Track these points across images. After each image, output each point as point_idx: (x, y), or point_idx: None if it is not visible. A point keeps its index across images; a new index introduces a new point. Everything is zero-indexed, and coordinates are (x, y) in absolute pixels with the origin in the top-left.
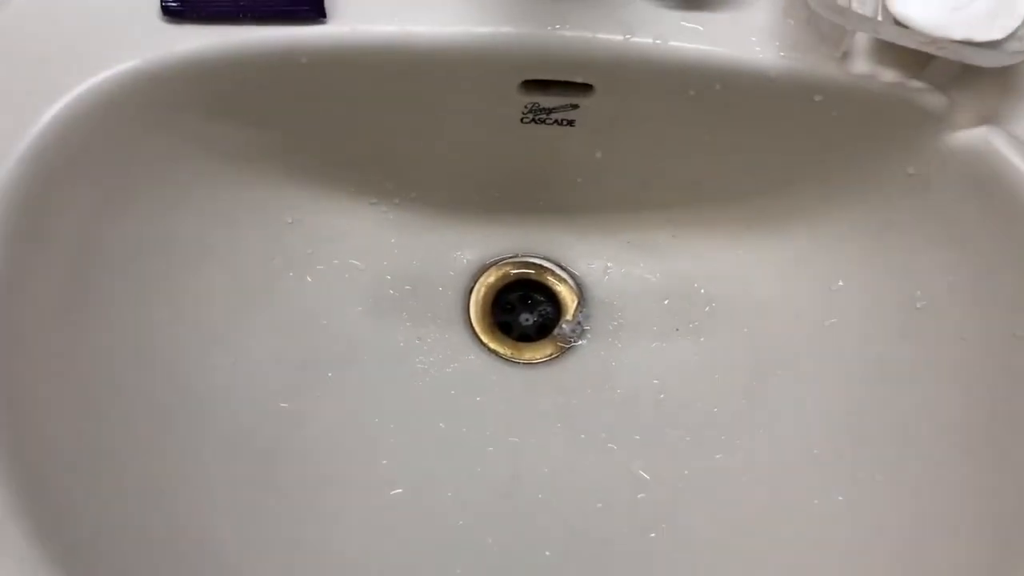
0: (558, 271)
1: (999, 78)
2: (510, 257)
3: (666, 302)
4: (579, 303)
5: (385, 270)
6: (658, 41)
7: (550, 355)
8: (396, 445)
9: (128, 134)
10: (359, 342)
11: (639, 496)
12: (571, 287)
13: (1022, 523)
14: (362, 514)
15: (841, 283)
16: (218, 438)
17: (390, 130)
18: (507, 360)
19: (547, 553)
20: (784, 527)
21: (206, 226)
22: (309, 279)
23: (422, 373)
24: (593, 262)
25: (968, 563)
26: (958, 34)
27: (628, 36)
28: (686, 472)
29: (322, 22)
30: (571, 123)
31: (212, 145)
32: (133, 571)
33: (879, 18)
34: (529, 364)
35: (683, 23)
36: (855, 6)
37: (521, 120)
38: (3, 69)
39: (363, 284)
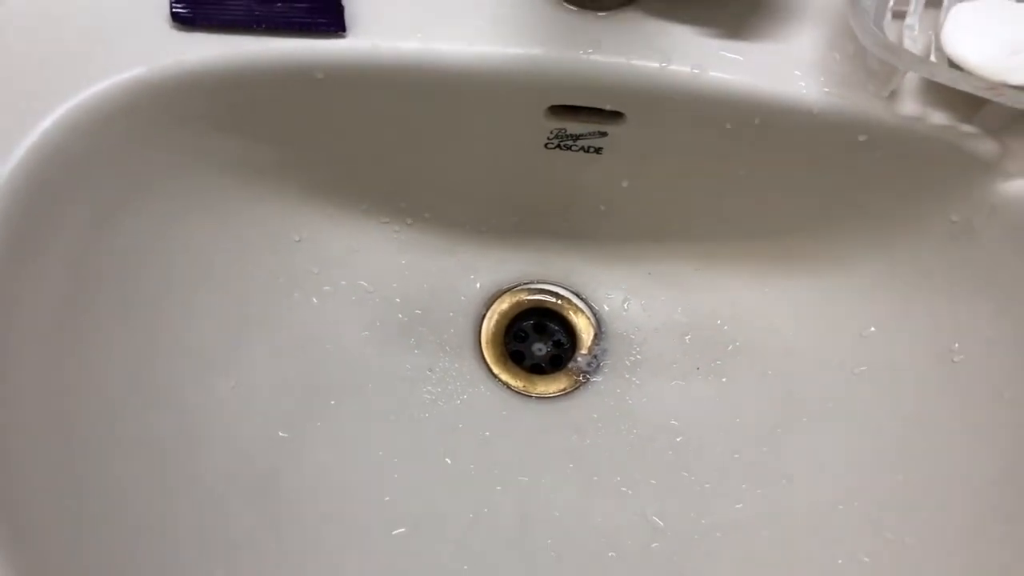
0: (575, 300)
1: None
2: (525, 283)
3: (687, 338)
4: (596, 335)
5: (394, 293)
6: (696, 70)
7: (563, 389)
8: (400, 481)
9: (130, 146)
10: (364, 369)
11: (653, 545)
12: (588, 318)
13: None
14: (362, 555)
15: (873, 329)
16: (213, 469)
17: (406, 149)
18: (519, 393)
19: None
20: None
21: (208, 243)
22: (315, 300)
23: (429, 404)
24: (612, 293)
25: None
26: (1017, 79)
27: (665, 64)
28: (703, 522)
29: (342, 36)
30: (598, 151)
31: (218, 159)
32: None
33: (932, 58)
34: (542, 398)
35: (723, 52)
36: (907, 43)
37: (545, 145)
38: None
39: (371, 307)
